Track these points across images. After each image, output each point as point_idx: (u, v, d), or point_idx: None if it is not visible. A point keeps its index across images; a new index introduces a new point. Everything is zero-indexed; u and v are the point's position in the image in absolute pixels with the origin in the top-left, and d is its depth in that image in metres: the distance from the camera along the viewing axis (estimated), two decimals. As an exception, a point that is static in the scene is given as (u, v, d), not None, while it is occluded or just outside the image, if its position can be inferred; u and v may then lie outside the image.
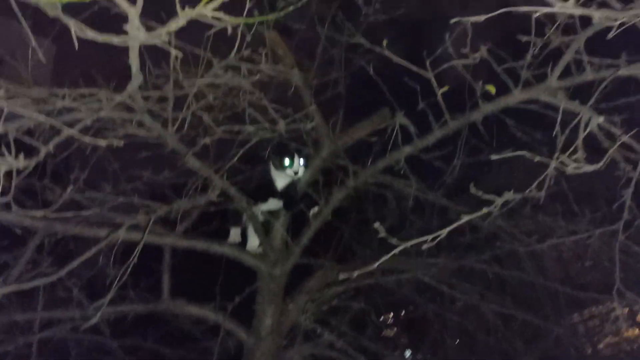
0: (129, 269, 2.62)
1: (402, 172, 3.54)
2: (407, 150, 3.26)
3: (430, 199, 3.80)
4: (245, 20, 1.99)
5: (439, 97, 2.92)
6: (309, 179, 3.79)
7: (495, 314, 4.80)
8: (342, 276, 2.42)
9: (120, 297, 3.51)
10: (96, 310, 2.50)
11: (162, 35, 1.74)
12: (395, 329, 6.51)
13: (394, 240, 2.15)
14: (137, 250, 2.66)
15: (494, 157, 2.26)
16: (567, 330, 5.28)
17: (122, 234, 2.68)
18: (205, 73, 2.79)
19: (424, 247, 2.09)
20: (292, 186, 3.64)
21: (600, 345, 8.37)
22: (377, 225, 2.21)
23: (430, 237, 2.08)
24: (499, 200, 2.06)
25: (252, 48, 2.93)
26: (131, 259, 2.61)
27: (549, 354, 5.16)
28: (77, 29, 1.63)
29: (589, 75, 2.56)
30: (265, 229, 3.85)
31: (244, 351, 3.83)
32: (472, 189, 2.12)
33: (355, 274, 2.25)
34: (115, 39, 1.68)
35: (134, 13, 1.61)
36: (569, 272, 5.94)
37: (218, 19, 1.78)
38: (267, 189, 3.63)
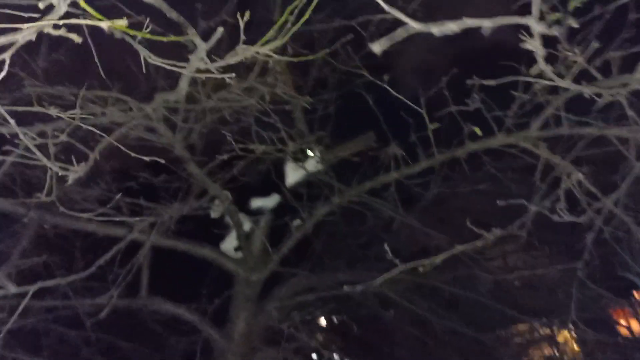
0: (131, 267, 2.74)
1: (385, 194, 3.80)
2: (394, 175, 3.53)
3: (406, 221, 4.07)
4: (291, 59, 2.19)
5: (430, 132, 3.19)
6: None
7: (444, 328, 5.19)
8: (346, 289, 2.64)
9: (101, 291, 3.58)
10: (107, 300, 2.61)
11: (218, 66, 1.92)
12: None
13: (397, 261, 2.38)
14: (144, 249, 2.79)
15: (500, 202, 2.54)
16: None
17: (135, 235, 2.80)
18: (219, 89, 2.94)
19: (421, 269, 2.33)
20: (300, 183, 3.88)
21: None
22: (386, 246, 2.43)
23: (427, 260, 2.33)
24: (490, 236, 2.34)
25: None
26: (137, 258, 2.74)
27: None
28: (146, 56, 1.79)
29: (565, 129, 2.90)
30: (246, 236, 4.02)
31: (214, 352, 3.98)
32: (468, 223, 2.38)
33: (359, 288, 2.47)
34: (178, 66, 1.84)
35: (203, 47, 1.78)
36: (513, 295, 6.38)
37: (270, 56, 1.98)
38: (271, 184, 3.80)
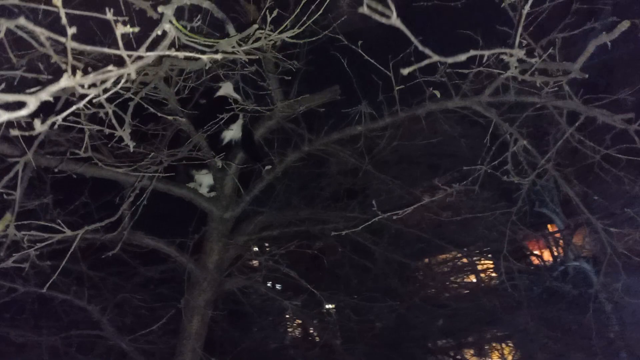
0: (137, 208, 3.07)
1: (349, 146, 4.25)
2: (359, 128, 3.96)
3: (368, 169, 4.55)
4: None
5: (395, 93, 3.62)
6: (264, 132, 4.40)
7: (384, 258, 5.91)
8: (333, 233, 3.09)
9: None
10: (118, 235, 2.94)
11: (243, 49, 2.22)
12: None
13: (379, 212, 2.86)
14: (146, 193, 3.11)
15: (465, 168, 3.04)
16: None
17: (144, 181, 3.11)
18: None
19: (395, 217, 2.82)
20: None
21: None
22: (373, 202, 2.89)
23: (401, 212, 2.82)
24: (452, 190, 2.85)
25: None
26: (141, 201, 3.07)
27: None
28: (182, 35, 2.07)
29: (512, 97, 3.41)
30: (219, 178, 4.38)
31: (191, 280, 4.40)
32: (436, 182, 2.87)
33: (345, 232, 2.94)
34: (209, 50, 2.13)
35: (235, 38, 2.08)
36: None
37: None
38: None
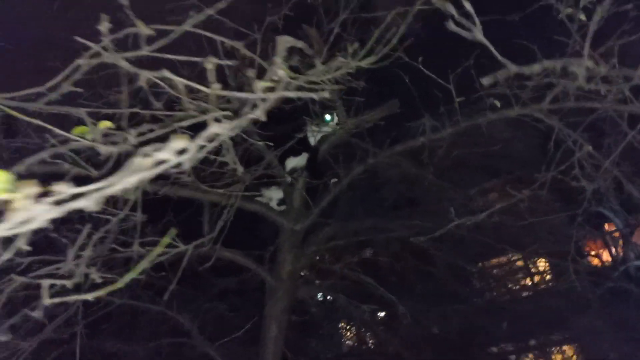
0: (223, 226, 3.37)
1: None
2: (422, 139, 4.15)
3: (431, 179, 4.74)
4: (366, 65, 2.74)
5: (456, 104, 3.80)
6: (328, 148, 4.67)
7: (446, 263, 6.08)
8: (412, 239, 3.29)
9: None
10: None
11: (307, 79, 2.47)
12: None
13: (455, 218, 3.05)
14: (231, 210, 3.41)
15: (539, 175, 3.20)
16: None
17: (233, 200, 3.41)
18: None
19: (468, 223, 3.00)
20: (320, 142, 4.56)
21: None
22: (452, 210, 3.08)
23: (473, 217, 3.00)
24: (523, 195, 3.01)
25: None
26: (228, 217, 3.37)
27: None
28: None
29: (571, 103, 3.54)
30: (288, 192, 4.66)
31: (267, 289, 4.68)
32: (508, 188, 3.03)
33: (423, 239, 3.14)
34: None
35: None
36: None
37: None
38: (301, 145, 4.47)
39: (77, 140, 2.04)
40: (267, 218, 4.67)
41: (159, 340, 4.81)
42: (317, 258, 5.06)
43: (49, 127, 2.06)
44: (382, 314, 7.65)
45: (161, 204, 4.37)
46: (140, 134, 2.00)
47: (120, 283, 2.19)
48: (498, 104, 3.72)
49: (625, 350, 8.20)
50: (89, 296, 1.71)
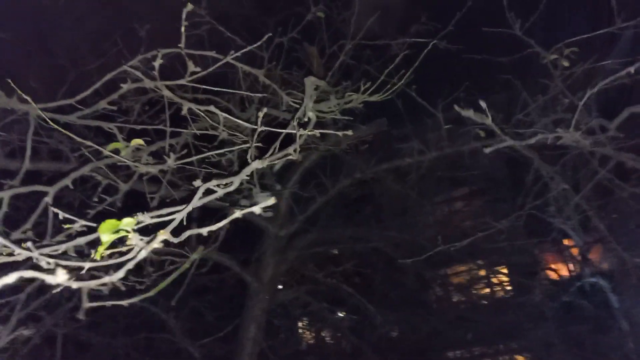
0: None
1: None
2: (407, 161, 4.40)
3: (416, 198, 5.01)
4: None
5: (443, 131, 4.06)
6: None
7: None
8: (400, 261, 3.52)
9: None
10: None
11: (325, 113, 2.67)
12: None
13: (444, 247, 3.29)
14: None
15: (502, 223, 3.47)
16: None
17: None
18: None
19: (452, 249, 3.25)
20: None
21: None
22: (439, 238, 3.32)
23: (465, 241, 3.25)
24: (502, 226, 3.28)
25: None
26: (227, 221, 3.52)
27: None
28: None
29: (553, 141, 3.83)
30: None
31: (249, 291, 4.85)
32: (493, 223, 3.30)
33: (409, 261, 3.36)
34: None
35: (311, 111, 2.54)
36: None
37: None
38: None
39: (112, 156, 2.20)
40: (254, 222, 4.84)
41: (136, 335, 4.92)
42: (298, 264, 5.24)
43: (81, 140, 2.21)
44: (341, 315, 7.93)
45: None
46: (179, 158, 2.17)
47: (153, 292, 2.36)
48: (482, 133, 3.99)
49: (572, 364, 8.66)
50: (125, 302, 1.88)
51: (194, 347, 4.78)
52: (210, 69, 2.11)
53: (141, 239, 1.19)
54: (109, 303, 1.76)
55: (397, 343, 8.16)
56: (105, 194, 2.58)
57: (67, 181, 1.90)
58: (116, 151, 2.32)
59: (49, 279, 1.10)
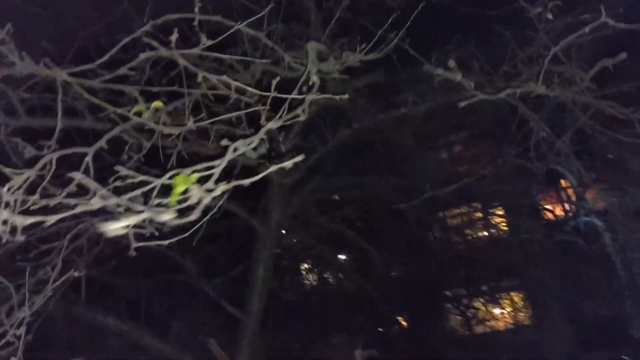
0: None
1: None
2: (403, 111, 4.66)
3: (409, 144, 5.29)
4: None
5: (436, 84, 4.30)
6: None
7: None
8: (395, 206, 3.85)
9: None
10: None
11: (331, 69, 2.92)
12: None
13: (435, 191, 3.59)
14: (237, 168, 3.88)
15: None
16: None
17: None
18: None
19: (450, 189, 3.55)
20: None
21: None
22: (427, 185, 3.62)
23: (455, 185, 3.56)
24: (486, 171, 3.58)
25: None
26: (235, 174, 3.83)
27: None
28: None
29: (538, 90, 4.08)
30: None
31: (257, 236, 5.22)
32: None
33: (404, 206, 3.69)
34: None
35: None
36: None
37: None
38: None
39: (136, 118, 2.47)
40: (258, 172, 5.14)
41: (155, 277, 5.33)
42: (302, 210, 5.58)
43: (107, 105, 2.49)
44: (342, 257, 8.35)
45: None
46: (197, 120, 2.46)
47: (188, 234, 2.69)
48: (472, 85, 4.23)
49: (568, 300, 9.12)
50: (166, 242, 2.19)
51: (209, 287, 5.20)
52: (221, 37, 2.36)
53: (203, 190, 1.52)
54: (152, 243, 2.06)
55: (398, 283, 8.62)
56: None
57: (102, 142, 2.19)
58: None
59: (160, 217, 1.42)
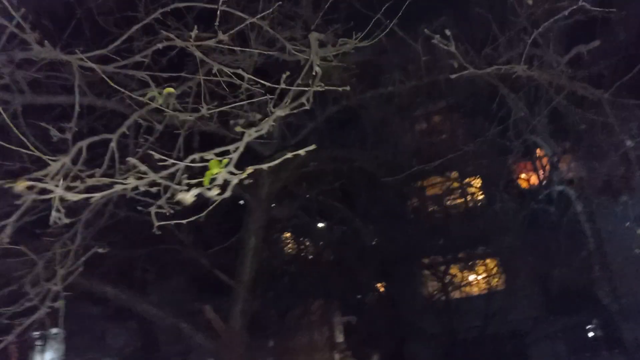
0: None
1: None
2: (390, 89, 4.88)
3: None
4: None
5: (422, 64, 4.52)
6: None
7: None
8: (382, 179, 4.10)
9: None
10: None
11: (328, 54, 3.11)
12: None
13: (420, 166, 3.84)
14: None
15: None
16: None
17: None
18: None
19: (431, 165, 3.82)
20: None
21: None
22: (414, 160, 3.87)
23: (439, 161, 3.81)
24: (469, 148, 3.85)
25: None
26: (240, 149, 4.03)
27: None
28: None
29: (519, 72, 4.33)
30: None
31: (247, 208, 5.44)
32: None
33: (391, 179, 3.94)
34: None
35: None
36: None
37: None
38: None
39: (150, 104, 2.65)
40: (249, 147, 5.34)
41: (155, 246, 5.52)
42: (290, 183, 5.81)
43: (123, 90, 2.65)
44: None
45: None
46: (210, 108, 2.65)
47: (205, 213, 2.88)
48: (456, 64, 4.46)
49: (538, 266, 9.57)
50: (184, 221, 2.39)
51: (203, 257, 5.44)
52: (235, 29, 2.55)
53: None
54: (171, 222, 2.27)
55: (377, 252, 8.96)
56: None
57: (123, 128, 2.37)
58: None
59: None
